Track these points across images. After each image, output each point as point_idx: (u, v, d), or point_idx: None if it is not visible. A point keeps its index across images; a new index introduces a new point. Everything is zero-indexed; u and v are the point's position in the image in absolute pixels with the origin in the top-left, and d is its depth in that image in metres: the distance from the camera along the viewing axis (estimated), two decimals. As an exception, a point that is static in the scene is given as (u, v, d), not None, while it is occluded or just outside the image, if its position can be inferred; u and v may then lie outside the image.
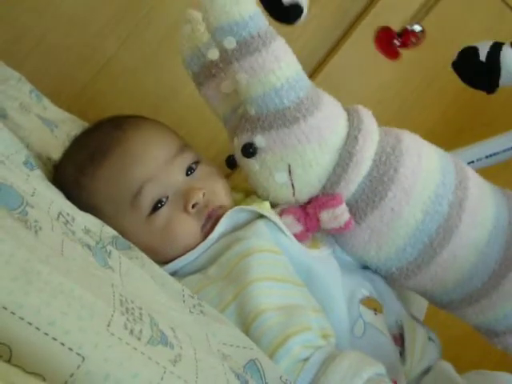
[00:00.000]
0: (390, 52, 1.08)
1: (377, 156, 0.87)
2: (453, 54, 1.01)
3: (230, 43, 0.80)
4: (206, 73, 0.92)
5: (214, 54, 0.90)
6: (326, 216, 0.87)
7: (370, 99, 1.31)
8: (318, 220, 0.88)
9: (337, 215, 0.86)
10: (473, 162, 1.11)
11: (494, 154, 1.17)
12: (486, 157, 1.17)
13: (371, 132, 0.87)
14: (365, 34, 1.37)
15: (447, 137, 1.10)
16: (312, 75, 1.39)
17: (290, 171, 0.86)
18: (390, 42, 1.09)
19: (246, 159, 0.89)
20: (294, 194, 0.89)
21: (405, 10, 1.37)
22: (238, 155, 0.90)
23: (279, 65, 0.81)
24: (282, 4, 0.80)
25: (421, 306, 1.03)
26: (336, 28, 1.39)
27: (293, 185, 0.88)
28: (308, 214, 0.89)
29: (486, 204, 0.89)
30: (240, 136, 0.89)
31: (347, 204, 0.88)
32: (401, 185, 0.85)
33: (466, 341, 1.15)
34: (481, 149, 1.18)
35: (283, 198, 0.90)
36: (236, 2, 0.78)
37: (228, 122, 0.93)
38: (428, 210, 0.86)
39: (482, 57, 0.83)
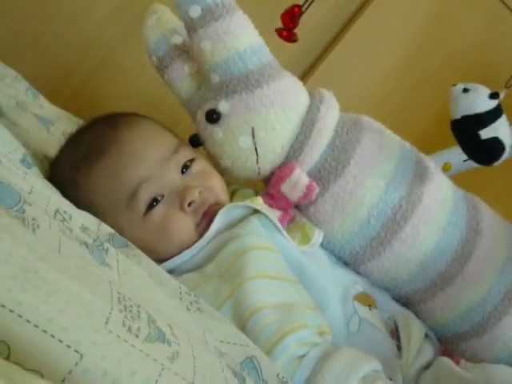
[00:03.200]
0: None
1: (338, 127, 0.92)
2: (448, 52, 1.02)
3: (195, 11, 0.85)
4: (171, 55, 0.95)
5: (177, 39, 0.94)
6: (286, 188, 0.90)
7: (364, 98, 1.32)
8: (284, 196, 0.91)
9: (294, 182, 0.89)
10: (467, 159, 1.12)
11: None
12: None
13: (332, 106, 0.93)
14: (359, 33, 1.37)
15: (442, 135, 1.10)
16: (307, 73, 1.39)
17: (253, 135, 0.89)
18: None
19: (209, 128, 0.91)
20: (257, 162, 0.91)
21: (400, 6, 1.37)
22: (203, 126, 0.92)
23: (243, 31, 0.87)
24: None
25: None
26: (331, 27, 1.39)
27: (256, 150, 0.90)
28: (272, 195, 0.91)
29: (446, 186, 0.94)
30: (203, 106, 0.91)
31: (310, 174, 0.91)
32: (363, 154, 0.90)
33: None
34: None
35: (247, 166, 0.91)
36: None
37: (191, 103, 0.95)
38: (390, 181, 0.89)
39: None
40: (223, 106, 0.89)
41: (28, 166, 0.77)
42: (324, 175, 0.90)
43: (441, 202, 0.91)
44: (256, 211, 0.88)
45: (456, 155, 1.15)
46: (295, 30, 1.05)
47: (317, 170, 0.91)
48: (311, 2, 1.03)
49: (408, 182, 0.89)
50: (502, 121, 0.99)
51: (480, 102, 0.98)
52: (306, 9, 1.04)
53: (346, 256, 0.94)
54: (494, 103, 0.97)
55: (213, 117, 0.89)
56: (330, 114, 0.91)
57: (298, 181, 0.89)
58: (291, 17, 1.04)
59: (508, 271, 0.90)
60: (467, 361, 0.90)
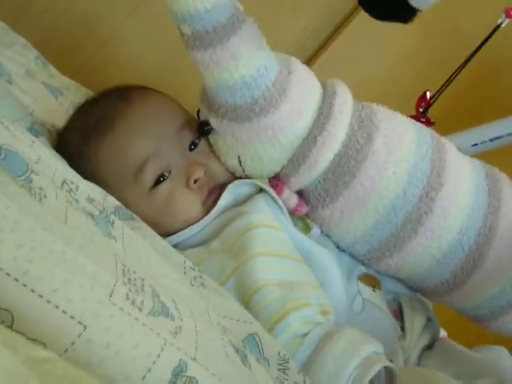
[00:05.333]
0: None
1: (337, 157, 0.83)
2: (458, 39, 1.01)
3: (186, 30, 0.77)
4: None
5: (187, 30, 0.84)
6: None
7: (369, 83, 1.31)
8: None
9: (283, 200, 0.86)
10: (476, 144, 1.11)
11: (498, 138, 1.16)
12: (490, 140, 1.17)
13: (334, 134, 0.83)
14: (366, 19, 1.36)
15: (454, 120, 1.09)
16: (312, 58, 1.37)
17: (239, 161, 0.86)
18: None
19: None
20: (246, 176, 0.89)
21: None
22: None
23: (235, 63, 0.78)
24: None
25: None
26: (339, 10, 1.38)
27: (244, 170, 0.87)
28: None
29: (456, 211, 0.84)
30: (201, 109, 0.88)
31: (301, 192, 0.87)
32: (355, 192, 0.83)
33: (462, 321, 1.16)
34: (485, 131, 1.18)
35: (238, 176, 0.89)
36: None
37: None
38: (380, 220, 0.84)
39: None
40: (213, 123, 0.85)
41: (35, 134, 0.77)
42: (312, 200, 0.86)
43: (437, 239, 0.84)
44: (262, 190, 0.88)
45: (464, 140, 1.14)
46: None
47: (306, 191, 0.87)
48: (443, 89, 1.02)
49: (420, 194, 0.83)
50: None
51: None
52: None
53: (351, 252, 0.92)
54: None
55: (204, 129, 0.86)
56: (327, 148, 0.82)
57: (286, 201, 0.87)
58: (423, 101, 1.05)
59: None
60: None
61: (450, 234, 0.84)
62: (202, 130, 0.86)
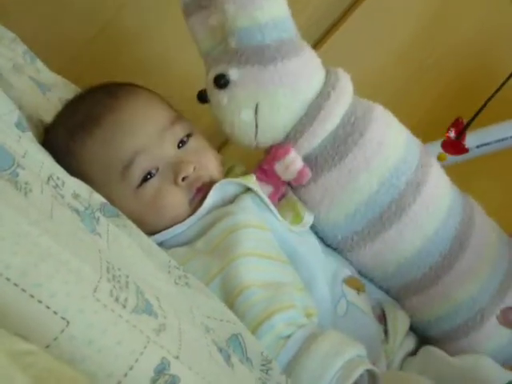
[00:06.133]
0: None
1: (346, 116, 0.88)
2: (451, 41, 1.01)
3: None
4: (197, 4, 0.91)
5: None
6: (279, 167, 0.89)
7: (364, 80, 1.31)
8: (276, 174, 0.90)
9: (287, 165, 0.87)
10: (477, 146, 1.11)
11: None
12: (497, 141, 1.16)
13: (345, 93, 0.88)
14: (362, 17, 1.36)
15: (439, 124, 1.10)
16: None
17: (256, 110, 0.87)
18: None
19: (215, 92, 0.88)
20: (256, 136, 0.89)
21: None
22: (210, 87, 0.90)
23: (268, 2, 0.83)
24: None
25: None
26: (337, 6, 1.38)
27: (257, 125, 0.88)
28: (265, 170, 0.90)
29: (443, 195, 0.90)
30: (215, 67, 0.89)
31: (307, 158, 0.89)
32: (363, 149, 0.86)
33: None
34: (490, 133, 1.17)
35: (245, 137, 0.90)
36: None
37: (209, 56, 0.92)
38: (384, 182, 0.86)
39: None
40: (233, 74, 0.86)
41: (23, 129, 0.76)
42: (320, 162, 0.88)
43: (432, 213, 0.88)
44: (249, 189, 0.88)
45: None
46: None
47: (314, 155, 0.88)
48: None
49: (403, 186, 0.87)
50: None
51: None
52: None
53: (327, 242, 0.93)
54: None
55: (221, 82, 0.87)
56: (340, 102, 0.87)
57: (292, 164, 0.87)
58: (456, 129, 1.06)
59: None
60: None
61: (440, 210, 0.89)
62: (219, 82, 0.87)
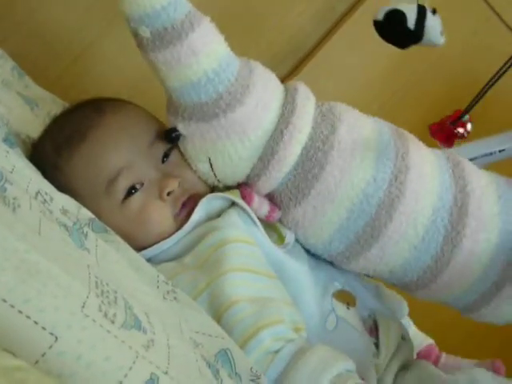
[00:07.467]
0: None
1: (304, 151, 0.85)
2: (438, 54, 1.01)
3: (145, 32, 0.79)
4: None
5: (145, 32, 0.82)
6: (253, 207, 0.87)
7: (351, 96, 1.32)
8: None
9: (256, 208, 0.87)
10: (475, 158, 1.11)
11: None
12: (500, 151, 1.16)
13: (301, 126, 0.84)
14: (350, 31, 1.37)
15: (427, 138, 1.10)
16: (297, 67, 1.38)
17: (210, 164, 0.86)
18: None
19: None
20: (218, 181, 0.89)
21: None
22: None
23: (197, 59, 0.79)
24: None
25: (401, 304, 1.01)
26: (323, 24, 1.39)
27: (215, 174, 0.87)
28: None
29: (425, 200, 0.85)
30: (168, 118, 0.88)
31: (272, 196, 0.88)
32: (325, 183, 0.84)
33: (449, 325, 1.16)
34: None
35: (209, 181, 0.90)
36: None
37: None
38: (353, 208, 0.84)
39: (411, 24, 0.83)
40: (181, 129, 0.85)
41: (10, 145, 0.76)
42: (285, 200, 0.86)
43: (413, 222, 0.84)
44: (234, 204, 0.88)
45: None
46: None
47: (278, 193, 0.87)
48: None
49: (375, 209, 0.83)
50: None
51: None
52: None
53: (316, 255, 0.92)
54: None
55: (172, 136, 0.85)
56: (294, 141, 0.84)
57: (259, 208, 0.87)
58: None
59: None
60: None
61: (423, 216, 0.84)
62: (170, 136, 0.86)
